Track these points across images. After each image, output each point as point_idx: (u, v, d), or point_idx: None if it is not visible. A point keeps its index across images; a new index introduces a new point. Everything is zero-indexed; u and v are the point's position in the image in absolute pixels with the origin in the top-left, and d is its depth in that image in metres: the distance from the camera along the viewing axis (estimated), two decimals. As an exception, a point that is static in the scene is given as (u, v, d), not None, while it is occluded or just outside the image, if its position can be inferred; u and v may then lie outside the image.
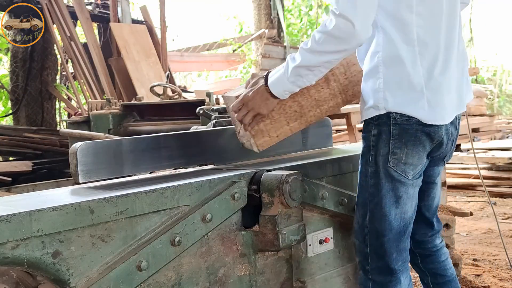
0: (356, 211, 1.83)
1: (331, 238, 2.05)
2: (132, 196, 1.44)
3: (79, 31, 8.10)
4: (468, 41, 16.36)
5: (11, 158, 6.60)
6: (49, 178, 4.43)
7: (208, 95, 3.92)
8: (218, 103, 3.89)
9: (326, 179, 2.00)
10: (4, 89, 8.61)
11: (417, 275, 2.12)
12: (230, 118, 1.98)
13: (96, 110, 4.34)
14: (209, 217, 1.59)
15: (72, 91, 7.86)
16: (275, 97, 1.74)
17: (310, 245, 1.97)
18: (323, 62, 1.64)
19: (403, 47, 1.65)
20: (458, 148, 7.49)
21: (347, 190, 2.06)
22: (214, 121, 2.11)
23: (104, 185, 1.62)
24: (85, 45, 7.38)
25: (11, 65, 8.00)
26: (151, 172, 1.87)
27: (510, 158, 6.19)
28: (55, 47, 7.92)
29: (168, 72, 6.29)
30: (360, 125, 6.39)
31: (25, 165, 5.52)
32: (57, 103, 8.69)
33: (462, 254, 3.77)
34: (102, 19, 8.16)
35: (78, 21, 7.45)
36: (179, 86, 8.23)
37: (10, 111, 8.35)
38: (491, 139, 9.01)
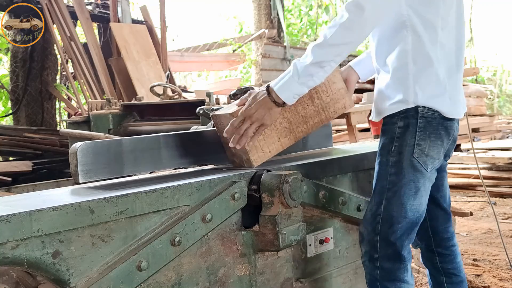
0: (371, 199, 1.87)
1: (331, 238, 2.05)
2: (132, 196, 1.44)
3: (79, 31, 8.10)
4: (468, 41, 16.36)
5: (11, 158, 6.61)
6: (49, 178, 4.43)
7: (208, 95, 3.92)
8: (218, 103, 3.89)
9: (326, 179, 2.00)
10: (4, 89, 8.61)
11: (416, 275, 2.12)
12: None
13: (96, 110, 4.34)
14: (209, 217, 1.59)
15: (72, 91, 7.86)
16: (279, 106, 1.78)
17: (310, 245, 1.97)
18: (334, 55, 1.72)
19: (430, 47, 1.76)
20: (458, 148, 7.49)
21: (347, 190, 2.06)
22: (214, 121, 2.11)
23: (104, 185, 1.62)
24: (85, 45, 7.38)
25: (11, 65, 8.00)
26: (151, 172, 1.87)
27: (510, 158, 6.19)
28: (55, 47, 7.92)
29: (168, 72, 6.29)
30: (360, 125, 6.39)
31: (25, 165, 5.53)
32: (57, 103, 8.69)
33: (462, 254, 3.77)
34: (102, 19, 8.16)
35: (78, 21, 7.46)
36: (179, 86, 8.23)
37: (10, 111, 8.35)
38: (491, 139, 9.01)
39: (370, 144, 2.84)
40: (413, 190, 1.79)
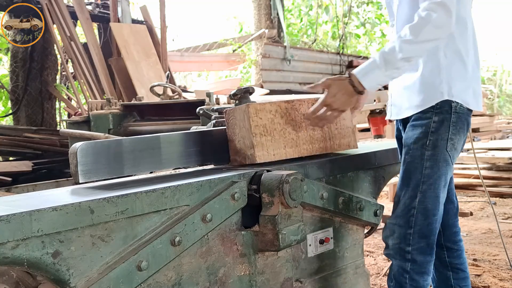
0: (403, 194, 1.92)
1: (331, 238, 2.05)
2: (132, 196, 1.43)
3: (79, 31, 8.10)
4: (468, 41, 16.32)
5: (11, 158, 6.60)
6: (49, 178, 4.43)
7: (208, 95, 3.93)
8: (218, 103, 3.89)
9: (326, 179, 2.00)
10: (4, 89, 8.61)
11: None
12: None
13: (96, 110, 4.34)
14: (209, 217, 1.59)
15: (72, 91, 7.86)
16: (359, 93, 1.85)
17: (310, 245, 1.97)
18: (422, 51, 1.80)
19: (460, 41, 1.88)
20: (458, 148, 7.47)
21: (347, 190, 2.06)
22: (214, 121, 2.11)
23: (104, 185, 1.62)
24: (85, 45, 7.38)
25: (11, 65, 8.00)
26: (151, 172, 1.87)
27: (510, 158, 6.19)
28: (55, 47, 7.92)
29: (168, 72, 6.28)
30: (360, 125, 6.37)
31: (25, 165, 5.53)
32: (57, 103, 8.69)
33: (462, 254, 3.77)
34: (102, 19, 8.16)
35: (78, 21, 7.45)
36: (179, 86, 8.23)
37: (10, 111, 8.35)
38: (491, 139, 9.01)
39: (370, 144, 2.83)
40: (444, 182, 1.89)
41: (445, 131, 1.87)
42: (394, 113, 2.04)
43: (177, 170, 1.94)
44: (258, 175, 1.76)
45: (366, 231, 2.29)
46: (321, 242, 2.01)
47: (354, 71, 1.86)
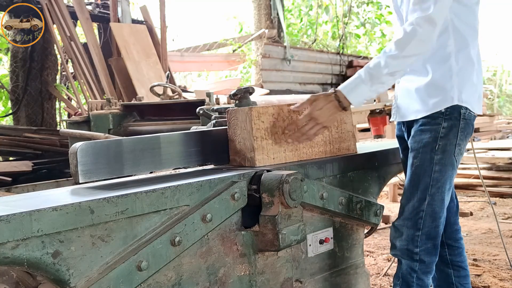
0: (412, 197, 1.96)
1: (331, 238, 2.05)
2: (132, 196, 1.43)
3: (79, 31, 8.10)
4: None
5: (11, 158, 6.60)
6: (49, 178, 4.44)
7: (208, 95, 3.93)
8: (218, 103, 3.89)
9: (326, 179, 2.00)
10: (4, 89, 8.61)
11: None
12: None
13: (96, 110, 4.34)
14: (209, 217, 1.59)
15: (72, 91, 7.86)
16: (343, 110, 1.89)
17: (310, 245, 1.97)
18: (406, 65, 1.86)
19: (471, 47, 1.93)
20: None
21: (347, 190, 2.06)
22: (214, 121, 2.11)
23: (104, 185, 1.62)
24: (85, 45, 7.38)
25: (11, 65, 8.00)
26: (151, 172, 1.87)
27: (510, 158, 6.19)
28: (55, 47, 7.92)
29: (168, 72, 6.28)
30: (360, 125, 6.36)
31: (25, 165, 5.53)
32: (57, 103, 8.69)
33: (462, 254, 3.77)
34: (102, 19, 8.16)
35: (78, 21, 7.45)
36: (179, 86, 8.23)
37: (10, 111, 8.35)
38: (491, 139, 9.01)
39: (370, 144, 2.84)
40: (449, 185, 1.95)
41: (454, 137, 1.92)
42: (400, 115, 2.06)
43: (177, 170, 1.94)
44: (258, 175, 1.76)
45: (366, 231, 2.29)
46: (321, 242, 2.01)
47: (340, 87, 1.89)
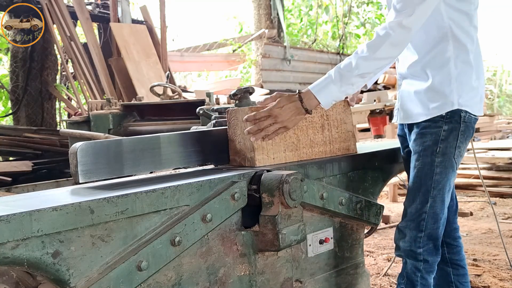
0: (415, 199, 1.98)
1: (331, 238, 2.05)
2: (132, 196, 1.43)
3: (79, 31, 8.10)
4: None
5: (11, 158, 6.61)
6: (49, 178, 4.44)
7: (208, 95, 3.93)
8: (218, 103, 3.89)
9: (326, 179, 2.01)
10: (4, 89, 8.61)
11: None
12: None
13: (96, 110, 4.34)
14: (209, 217, 1.59)
15: (72, 91, 7.86)
16: (306, 113, 1.87)
17: (310, 245, 1.97)
18: (377, 68, 1.88)
19: (470, 52, 1.95)
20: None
21: (347, 190, 2.06)
22: (214, 121, 2.11)
23: (104, 185, 1.62)
24: (85, 45, 7.39)
25: (11, 65, 8.01)
26: (151, 172, 1.87)
27: (510, 158, 6.19)
28: (55, 47, 7.92)
29: (168, 72, 6.29)
30: (360, 125, 6.35)
31: (25, 165, 5.53)
32: (57, 103, 8.69)
33: (462, 254, 3.77)
34: (102, 19, 8.17)
35: (78, 21, 7.46)
36: (179, 86, 8.24)
37: (10, 111, 8.36)
38: (491, 139, 9.01)
39: (370, 144, 2.84)
40: (449, 187, 1.98)
41: (454, 140, 1.94)
42: (401, 117, 2.08)
43: (177, 170, 1.94)
44: (258, 175, 1.76)
45: (366, 231, 2.29)
46: (321, 242, 2.01)
47: (310, 86, 1.89)
